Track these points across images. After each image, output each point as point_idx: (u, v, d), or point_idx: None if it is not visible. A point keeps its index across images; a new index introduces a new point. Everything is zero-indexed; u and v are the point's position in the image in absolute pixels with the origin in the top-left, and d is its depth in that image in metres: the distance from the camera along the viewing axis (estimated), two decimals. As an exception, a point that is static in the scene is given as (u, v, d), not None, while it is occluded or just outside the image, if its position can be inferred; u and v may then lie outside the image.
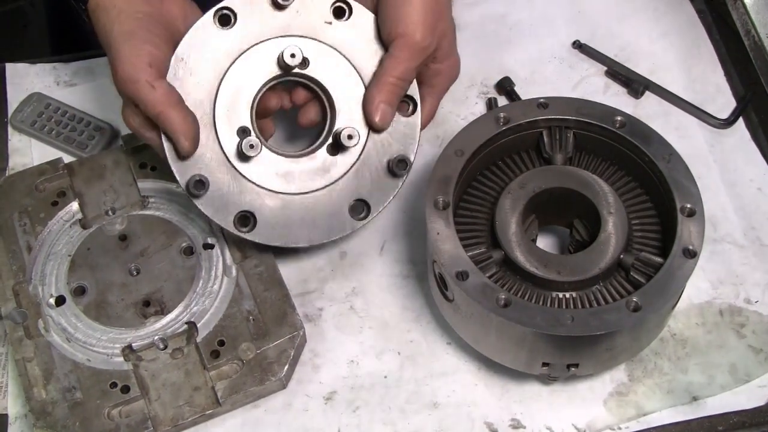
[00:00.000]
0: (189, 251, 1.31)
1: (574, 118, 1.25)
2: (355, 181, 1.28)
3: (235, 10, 1.24)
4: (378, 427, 1.23)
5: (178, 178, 1.23)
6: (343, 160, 1.28)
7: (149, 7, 1.20)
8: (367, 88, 1.28)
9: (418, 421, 1.24)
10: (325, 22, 1.28)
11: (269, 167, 1.26)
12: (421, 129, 1.31)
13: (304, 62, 1.26)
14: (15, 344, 1.24)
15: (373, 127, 1.28)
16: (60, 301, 1.28)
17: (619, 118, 1.24)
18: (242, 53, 1.25)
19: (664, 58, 1.56)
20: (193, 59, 1.23)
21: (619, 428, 1.22)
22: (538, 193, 1.23)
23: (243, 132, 1.25)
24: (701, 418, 1.23)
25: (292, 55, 1.24)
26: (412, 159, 1.29)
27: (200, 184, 1.22)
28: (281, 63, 1.25)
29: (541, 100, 1.27)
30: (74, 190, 1.36)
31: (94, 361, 1.24)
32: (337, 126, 1.27)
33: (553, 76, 1.55)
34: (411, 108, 1.30)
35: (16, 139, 1.49)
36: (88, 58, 1.58)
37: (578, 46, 1.57)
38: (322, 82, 1.28)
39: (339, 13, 1.28)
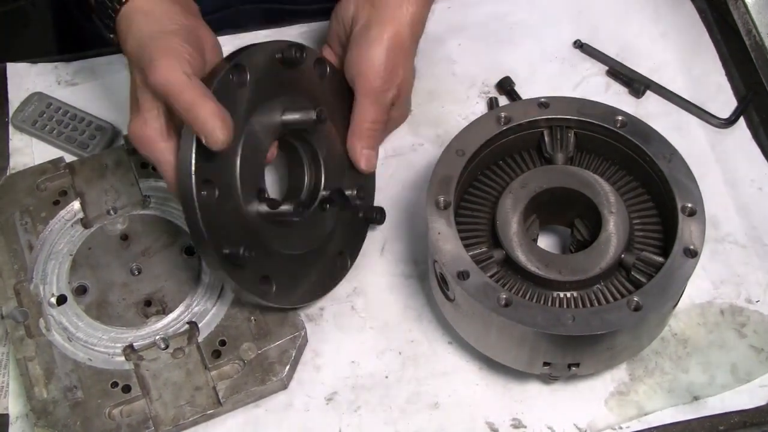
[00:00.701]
0: (190, 251, 1.31)
1: (575, 117, 1.25)
2: (340, 234, 1.33)
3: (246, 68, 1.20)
4: (379, 427, 1.23)
5: (205, 245, 1.15)
6: (330, 215, 1.31)
7: (188, 21, 1.19)
8: (348, 136, 1.34)
9: (419, 420, 1.24)
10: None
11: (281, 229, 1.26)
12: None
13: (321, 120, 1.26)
14: (16, 343, 1.24)
15: (360, 172, 1.36)
16: (61, 300, 1.28)
17: (620, 118, 1.24)
18: (255, 110, 1.21)
19: (665, 57, 1.56)
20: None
21: (620, 428, 1.22)
22: (539, 193, 1.23)
23: (260, 191, 1.23)
24: (702, 417, 1.23)
25: (320, 115, 1.24)
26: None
27: (243, 257, 1.16)
28: (290, 122, 1.25)
29: (542, 99, 1.27)
30: (75, 190, 1.36)
31: (95, 360, 1.24)
32: (324, 182, 1.32)
33: (554, 76, 1.55)
34: None
35: (17, 139, 1.49)
36: (89, 58, 1.58)
37: (579, 45, 1.57)
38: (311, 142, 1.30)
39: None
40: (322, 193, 1.31)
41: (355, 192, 1.34)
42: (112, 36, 1.22)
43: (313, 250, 1.28)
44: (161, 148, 1.16)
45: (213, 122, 1.10)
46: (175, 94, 1.11)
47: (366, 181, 1.39)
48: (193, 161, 1.11)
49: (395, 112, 1.40)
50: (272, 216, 1.22)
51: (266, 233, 1.22)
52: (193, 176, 1.11)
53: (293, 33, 1.59)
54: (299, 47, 1.23)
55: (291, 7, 1.66)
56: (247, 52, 1.19)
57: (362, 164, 1.34)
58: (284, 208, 1.23)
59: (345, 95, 1.35)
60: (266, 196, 1.23)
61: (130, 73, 1.18)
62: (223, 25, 1.60)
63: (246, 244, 1.16)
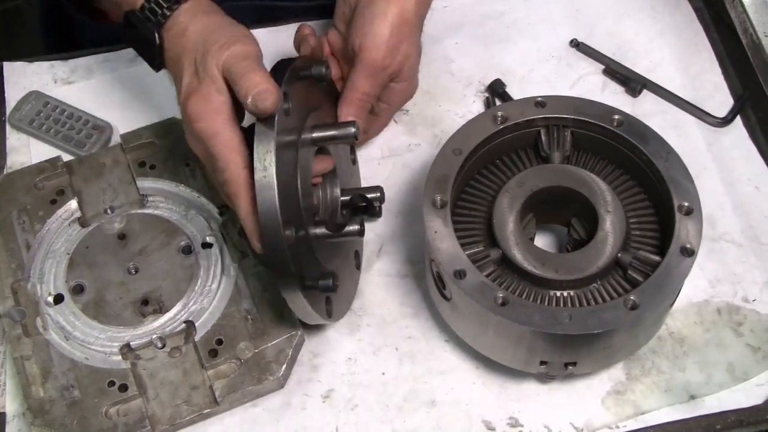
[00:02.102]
0: (188, 250, 1.31)
1: (571, 116, 1.25)
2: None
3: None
4: (376, 426, 1.23)
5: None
6: (351, 220, 1.30)
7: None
8: (339, 103, 1.33)
9: (416, 419, 1.24)
10: None
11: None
12: (371, 138, 1.45)
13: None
14: (13, 342, 1.24)
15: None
16: (58, 299, 1.28)
17: (616, 117, 1.24)
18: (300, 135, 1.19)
19: (662, 56, 1.56)
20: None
21: (617, 427, 1.22)
22: (535, 192, 1.23)
23: (314, 215, 1.22)
24: (699, 416, 1.23)
25: (356, 135, 1.23)
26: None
27: (335, 285, 1.16)
28: (325, 138, 1.23)
29: (539, 98, 1.27)
30: (73, 189, 1.36)
31: (92, 359, 1.24)
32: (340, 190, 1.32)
33: (551, 75, 1.55)
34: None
35: (14, 138, 1.49)
36: (85, 56, 1.58)
37: (576, 44, 1.57)
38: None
39: None
40: (341, 198, 1.32)
41: (371, 188, 1.35)
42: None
43: (341, 257, 1.29)
44: (223, 126, 1.14)
45: (266, 85, 1.10)
46: (239, 60, 1.13)
47: (354, 178, 1.39)
48: (278, 204, 1.09)
49: (399, 86, 1.38)
50: (329, 237, 1.21)
51: (320, 254, 1.21)
52: (280, 217, 1.09)
53: (284, 34, 1.58)
54: (325, 62, 1.22)
55: (283, 4, 1.66)
56: (287, 79, 1.14)
57: None
58: (350, 228, 1.23)
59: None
60: (318, 218, 1.23)
61: (185, 63, 1.19)
62: None
63: (321, 271, 1.17)
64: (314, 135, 1.21)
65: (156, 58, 1.24)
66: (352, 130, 1.22)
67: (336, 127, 1.23)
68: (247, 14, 1.67)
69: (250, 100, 1.09)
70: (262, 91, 1.09)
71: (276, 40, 1.53)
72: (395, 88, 1.37)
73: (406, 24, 1.32)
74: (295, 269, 1.11)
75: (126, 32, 1.25)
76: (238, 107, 1.16)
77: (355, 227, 1.23)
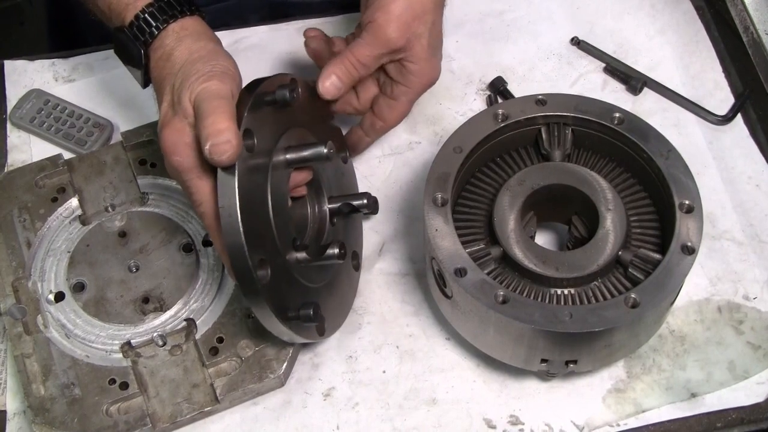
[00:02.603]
0: (188, 248, 1.32)
1: (572, 114, 1.25)
2: (349, 238, 1.33)
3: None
4: (376, 424, 1.23)
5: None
6: (340, 227, 1.31)
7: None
8: (327, 63, 1.29)
9: (416, 417, 1.24)
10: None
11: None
12: (391, 127, 1.39)
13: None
14: (14, 340, 1.24)
15: (319, 95, 1.29)
16: (59, 297, 1.28)
17: (617, 115, 1.24)
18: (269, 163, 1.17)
19: (663, 54, 1.56)
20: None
21: (618, 425, 1.22)
22: (536, 190, 1.23)
23: (294, 240, 1.19)
24: (700, 414, 1.23)
25: (330, 150, 1.20)
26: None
27: (316, 314, 1.15)
28: (298, 159, 1.21)
29: (540, 96, 1.27)
30: (74, 187, 1.36)
31: (92, 357, 1.24)
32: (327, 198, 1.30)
33: (552, 73, 1.55)
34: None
35: (15, 136, 1.49)
36: (86, 54, 1.58)
37: (576, 42, 1.57)
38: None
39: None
40: (329, 206, 1.29)
41: (358, 195, 1.32)
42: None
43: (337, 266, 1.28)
44: (196, 160, 1.12)
45: (226, 136, 1.07)
46: (209, 98, 1.10)
47: (346, 176, 1.38)
48: (245, 244, 1.07)
49: (413, 66, 1.33)
50: (309, 262, 1.19)
51: (305, 276, 1.20)
52: (250, 262, 1.08)
53: (292, 29, 1.59)
54: (290, 86, 1.17)
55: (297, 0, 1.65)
56: (251, 107, 1.12)
57: (325, 83, 1.28)
58: (330, 252, 1.21)
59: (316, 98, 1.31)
60: (299, 242, 1.20)
61: (165, 88, 1.17)
62: (225, 17, 1.60)
63: (303, 300, 1.16)
64: (288, 157, 1.19)
65: (141, 76, 1.24)
66: (324, 150, 1.18)
67: (307, 147, 1.20)
68: (257, 10, 1.67)
69: (207, 148, 1.06)
70: (221, 143, 1.06)
71: (287, 38, 1.53)
72: (409, 68, 1.32)
73: (420, 4, 1.29)
74: (273, 305, 1.11)
75: (115, 47, 1.25)
76: None
77: (335, 251, 1.21)
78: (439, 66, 1.36)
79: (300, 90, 1.22)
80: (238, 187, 1.07)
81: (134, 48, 1.21)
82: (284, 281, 1.15)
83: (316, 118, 1.30)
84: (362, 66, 1.29)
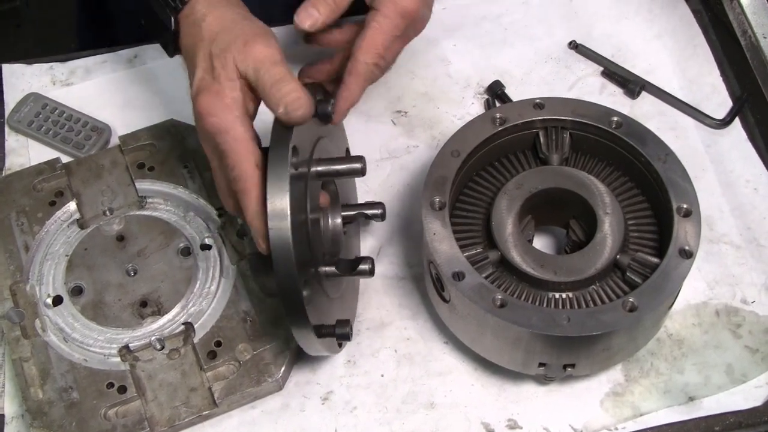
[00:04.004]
0: (186, 252, 1.31)
1: (570, 118, 1.26)
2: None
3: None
4: (374, 428, 1.23)
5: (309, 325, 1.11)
6: (354, 233, 1.32)
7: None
8: (354, 50, 1.23)
9: (414, 421, 1.24)
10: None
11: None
12: (364, 64, 1.24)
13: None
14: (12, 344, 1.24)
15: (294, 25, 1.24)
16: (57, 301, 1.28)
17: (615, 119, 1.24)
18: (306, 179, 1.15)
19: (660, 58, 1.56)
20: None
21: (616, 428, 1.22)
22: (534, 194, 1.23)
23: (324, 255, 1.19)
24: (698, 418, 1.23)
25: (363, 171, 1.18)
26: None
27: (351, 331, 1.17)
28: (331, 173, 1.19)
29: (537, 100, 1.27)
30: (72, 190, 1.36)
31: (90, 361, 1.24)
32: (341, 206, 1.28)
33: (549, 77, 1.55)
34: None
35: (12, 140, 1.49)
36: (84, 57, 1.58)
37: (574, 46, 1.57)
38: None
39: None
40: (344, 214, 1.27)
41: (372, 205, 1.30)
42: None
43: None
44: (234, 122, 1.12)
45: (298, 94, 1.09)
46: (268, 66, 1.11)
47: (346, 183, 1.36)
48: (294, 261, 1.06)
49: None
50: (337, 276, 1.19)
51: (329, 290, 1.19)
52: (298, 281, 1.07)
53: (293, 29, 1.58)
54: (326, 99, 1.17)
55: None
56: (297, 132, 1.10)
57: (299, 14, 1.22)
58: (363, 267, 1.20)
59: None
60: (329, 258, 1.19)
61: (199, 55, 1.16)
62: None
63: (328, 315, 1.16)
64: (319, 169, 1.17)
65: (170, 44, 1.23)
66: (359, 166, 1.18)
67: (340, 161, 1.19)
68: (279, 6, 1.65)
69: (282, 109, 1.08)
70: (294, 100, 1.09)
71: (288, 39, 1.53)
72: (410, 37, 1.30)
73: None
74: (312, 323, 1.11)
75: (145, 15, 1.24)
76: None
77: (367, 267, 1.19)
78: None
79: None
80: (290, 201, 1.06)
81: (165, 14, 1.21)
82: (317, 297, 1.14)
83: (329, 127, 1.27)
84: (389, 59, 1.27)
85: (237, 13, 1.18)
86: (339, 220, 1.27)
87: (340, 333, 1.15)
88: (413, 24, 1.26)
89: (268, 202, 1.06)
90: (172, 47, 1.23)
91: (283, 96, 1.09)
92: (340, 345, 1.22)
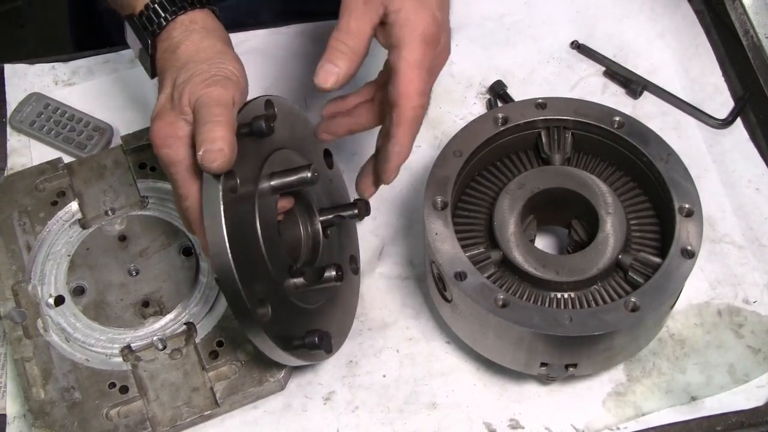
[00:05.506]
0: (188, 252, 1.31)
1: (572, 118, 1.25)
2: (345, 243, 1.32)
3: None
4: (376, 428, 1.23)
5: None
6: (334, 239, 1.29)
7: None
8: (393, 129, 1.15)
9: (416, 421, 1.24)
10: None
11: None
12: (404, 113, 1.14)
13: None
14: (14, 344, 1.24)
15: (318, 90, 1.14)
16: (59, 300, 1.28)
17: (617, 119, 1.24)
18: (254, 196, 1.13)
19: (663, 58, 1.56)
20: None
21: (618, 428, 1.22)
22: (536, 194, 1.23)
23: (290, 267, 1.17)
24: (700, 418, 1.23)
25: (314, 175, 1.15)
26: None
27: (321, 340, 1.14)
28: (283, 186, 1.16)
29: (540, 100, 1.27)
30: (74, 190, 1.36)
31: (92, 361, 1.24)
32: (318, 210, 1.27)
33: (552, 77, 1.55)
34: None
35: (15, 139, 1.49)
36: (86, 57, 1.58)
37: (576, 46, 1.57)
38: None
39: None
40: (321, 219, 1.27)
41: (348, 206, 1.29)
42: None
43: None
44: (186, 154, 1.10)
45: (220, 146, 1.05)
46: (211, 106, 1.08)
47: (335, 181, 1.35)
48: (241, 287, 1.06)
49: (401, 15, 1.13)
50: (307, 287, 1.18)
51: (305, 299, 1.19)
52: (247, 302, 1.06)
53: (293, 32, 1.59)
54: (266, 115, 1.13)
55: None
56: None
57: (318, 74, 1.13)
58: (328, 275, 1.18)
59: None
60: (295, 268, 1.18)
61: (166, 80, 1.15)
62: (239, 15, 1.59)
63: (307, 324, 1.16)
64: (272, 183, 1.15)
65: (149, 66, 1.22)
66: (308, 175, 1.14)
67: (292, 173, 1.15)
68: (275, 6, 1.64)
69: (200, 154, 1.05)
70: (214, 151, 1.04)
71: (288, 40, 1.53)
72: (395, 20, 1.14)
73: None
74: (277, 338, 1.10)
75: (126, 36, 1.25)
76: None
77: (332, 273, 1.18)
78: (432, 17, 1.15)
79: (276, 111, 1.17)
80: (226, 226, 1.05)
81: (143, 38, 1.20)
82: (284, 311, 1.14)
83: (297, 133, 1.25)
84: (349, 36, 1.13)
85: (213, 48, 1.15)
86: (318, 227, 1.26)
87: (308, 342, 1.13)
88: (438, 56, 1.18)
89: (207, 233, 1.06)
90: (152, 69, 1.22)
91: (204, 141, 1.05)
92: (329, 350, 1.18)
